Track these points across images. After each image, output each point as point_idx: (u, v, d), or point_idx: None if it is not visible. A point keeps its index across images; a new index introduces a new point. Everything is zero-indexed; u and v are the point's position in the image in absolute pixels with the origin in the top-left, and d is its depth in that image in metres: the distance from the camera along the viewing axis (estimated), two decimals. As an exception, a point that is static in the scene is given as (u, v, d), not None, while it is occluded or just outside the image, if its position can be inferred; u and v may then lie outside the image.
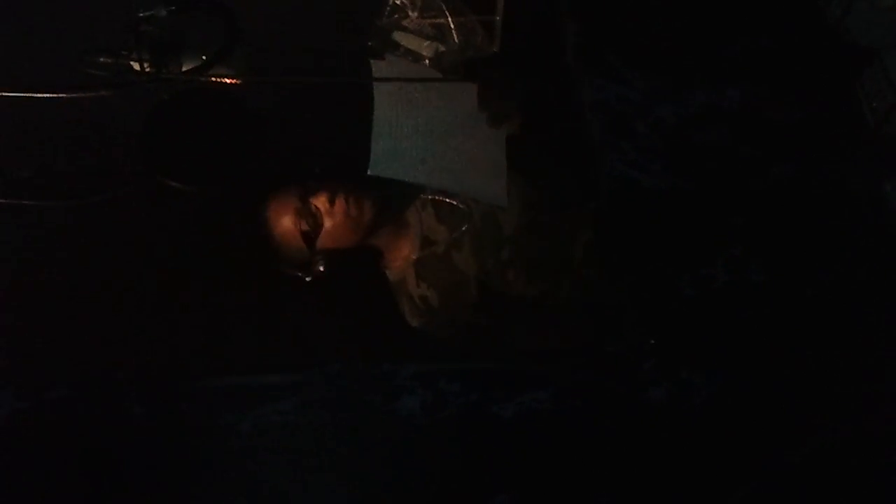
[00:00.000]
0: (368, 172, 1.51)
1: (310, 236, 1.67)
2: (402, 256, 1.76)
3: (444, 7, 2.10)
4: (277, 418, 1.22)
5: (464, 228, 1.71)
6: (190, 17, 1.55)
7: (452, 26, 2.13)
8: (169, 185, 1.53)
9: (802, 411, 1.33)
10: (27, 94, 1.42)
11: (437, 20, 2.13)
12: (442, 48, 2.11)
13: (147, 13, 1.52)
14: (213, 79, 1.52)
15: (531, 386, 1.29)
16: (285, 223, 1.69)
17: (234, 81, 1.54)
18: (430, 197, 1.79)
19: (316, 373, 1.24)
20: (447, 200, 1.77)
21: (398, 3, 2.11)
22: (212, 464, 1.25)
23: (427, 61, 2.11)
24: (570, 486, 1.31)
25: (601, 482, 1.32)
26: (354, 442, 1.26)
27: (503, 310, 1.67)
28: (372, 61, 1.67)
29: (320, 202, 1.68)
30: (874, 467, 1.33)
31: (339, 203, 1.68)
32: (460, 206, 1.75)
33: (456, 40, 2.13)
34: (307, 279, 1.71)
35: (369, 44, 2.09)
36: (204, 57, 1.52)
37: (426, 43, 2.10)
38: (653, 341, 1.33)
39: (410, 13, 2.12)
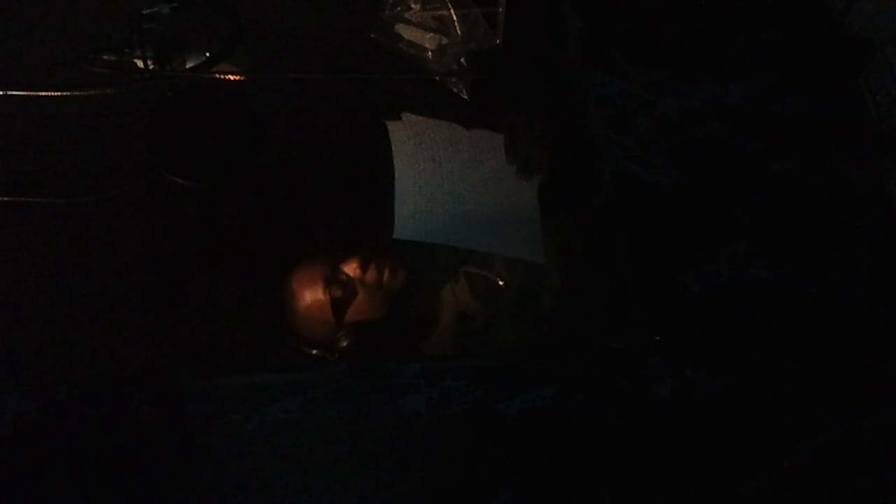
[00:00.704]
0: (394, 237, 1.44)
1: (340, 307, 1.58)
2: (436, 332, 1.66)
3: (446, -1, 2.10)
4: (283, 417, 1.23)
5: (500, 306, 1.62)
6: (193, 13, 1.55)
7: (455, 18, 2.12)
8: (173, 182, 1.53)
9: (807, 407, 1.33)
10: (31, 93, 1.42)
11: (440, 12, 2.13)
12: (444, 40, 2.11)
13: (150, 10, 1.52)
14: (217, 75, 1.52)
15: (536, 383, 1.29)
16: (313, 294, 1.60)
17: (237, 78, 1.54)
18: (463, 269, 1.69)
19: (321, 371, 1.25)
20: (481, 273, 1.68)
21: (401, -5, 2.11)
22: (217, 462, 1.25)
23: (430, 54, 2.11)
24: (575, 482, 1.32)
25: (606, 479, 1.32)
26: (360, 440, 1.26)
27: (506, 307, 1.66)
28: (388, 123, 1.59)
29: (351, 269, 1.60)
30: (878, 464, 1.33)
31: (371, 271, 1.59)
32: (498, 282, 1.66)
33: (458, 32, 2.13)
34: (330, 358, 1.59)
35: (372, 36, 2.09)
36: (207, 54, 1.52)
37: (428, 35, 2.10)
38: (657, 338, 1.33)
39: (413, 5, 2.12)
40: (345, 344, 1.57)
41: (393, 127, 1.59)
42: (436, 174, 1.54)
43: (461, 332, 1.64)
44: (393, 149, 1.55)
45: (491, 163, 1.59)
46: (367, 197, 1.69)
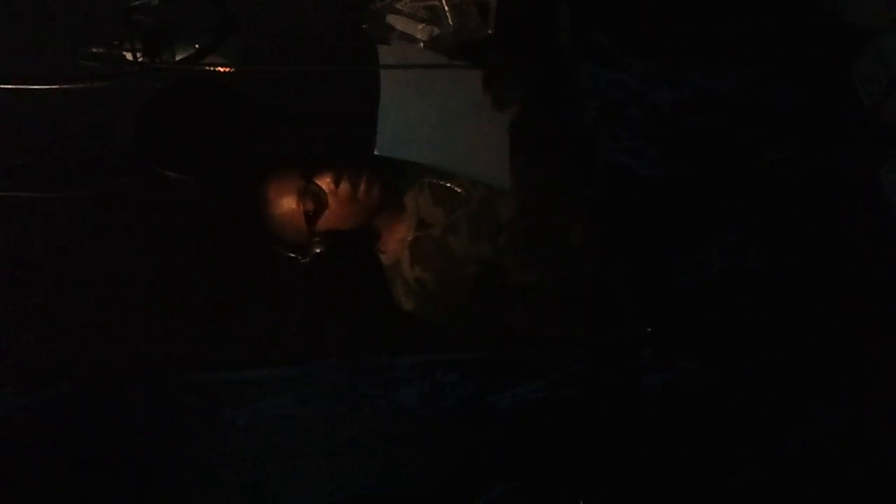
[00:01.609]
0: (375, 152, 1.51)
1: (312, 216, 1.67)
2: (397, 239, 1.76)
3: (438, -11, 2.09)
4: (276, 412, 1.23)
5: (459, 212, 1.71)
6: (182, 5, 1.53)
7: (447, 9, 2.11)
8: (164, 175, 1.52)
9: (799, 399, 1.34)
10: (21, 87, 1.41)
11: (432, 3, 2.12)
12: (436, 31, 2.10)
13: (139, 2, 1.50)
14: (207, 67, 1.51)
15: (528, 375, 1.30)
16: (288, 203, 1.68)
17: (227, 70, 1.53)
18: (427, 179, 1.78)
19: (314, 366, 1.25)
20: (445, 184, 1.76)
21: (391, -15, 2.10)
22: (210, 457, 1.26)
23: (422, 44, 2.10)
24: (568, 474, 1.32)
25: (599, 470, 1.32)
26: (353, 434, 1.26)
27: (498, 298, 1.67)
28: (378, 46, 1.68)
29: (325, 182, 1.68)
30: (870, 455, 1.34)
31: (345, 185, 1.67)
32: (458, 189, 1.75)
33: (450, 23, 2.12)
34: (303, 261, 1.70)
35: (363, 27, 2.08)
36: (197, 46, 1.50)
37: (420, 26, 2.09)
38: (649, 329, 1.33)
39: (404, -5, 2.11)
40: (317, 250, 1.67)
41: (383, 50, 1.69)
42: (418, 97, 1.63)
43: (420, 238, 1.72)
44: (380, 70, 1.63)
45: (469, 93, 1.69)
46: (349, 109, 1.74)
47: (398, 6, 2.11)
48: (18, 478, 1.22)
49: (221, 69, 1.52)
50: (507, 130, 1.67)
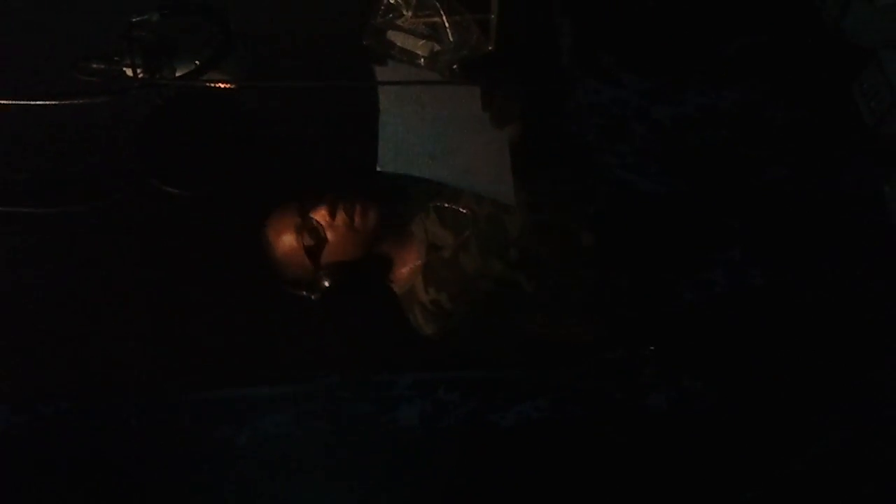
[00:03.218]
0: (378, 168, 1.50)
1: (313, 252, 1.65)
2: (408, 265, 1.74)
3: (438, 6, 2.09)
4: (275, 430, 1.22)
5: (468, 232, 1.71)
6: (183, 21, 1.53)
7: (447, 25, 2.11)
8: (164, 190, 1.52)
9: (802, 418, 1.33)
10: (21, 102, 1.41)
11: (432, 19, 2.12)
12: (437, 47, 2.10)
13: (140, 18, 1.51)
14: (207, 83, 1.51)
15: (531, 394, 1.29)
16: (287, 241, 1.66)
17: (227, 86, 1.53)
18: (432, 204, 1.77)
19: (314, 384, 1.24)
20: (450, 206, 1.76)
21: (393, 2, 2.10)
22: (209, 476, 1.24)
23: (422, 60, 2.10)
24: (571, 493, 1.31)
25: (601, 489, 1.31)
26: (353, 453, 1.25)
27: (515, 310, 1.66)
28: (375, 66, 1.67)
29: (320, 216, 1.66)
30: (876, 470, 1.33)
31: (341, 215, 1.65)
32: (463, 210, 1.74)
33: (451, 39, 2.12)
34: (313, 297, 1.67)
35: (364, 43, 2.08)
36: (197, 62, 1.51)
37: (421, 42, 2.09)
38: (652, 348, 1.32)
39: (405, 12, 2.11)
40: (326, 284, 1.66)
41: (380, 70, 1.68)
42: (418, 114, 1.63)
43: (431, 261, 1.70)
44: (378, 88, 1.61)
45: (469, 110, 1.69)
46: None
47: (399, 22, 2.12)
48: (15, 495, 1.21)
49: (221, 85, 1.52)
50: (507, 146, 1.66)
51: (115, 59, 1.48)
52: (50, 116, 1.43)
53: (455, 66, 2.12)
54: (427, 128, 1.62)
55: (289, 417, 1.22)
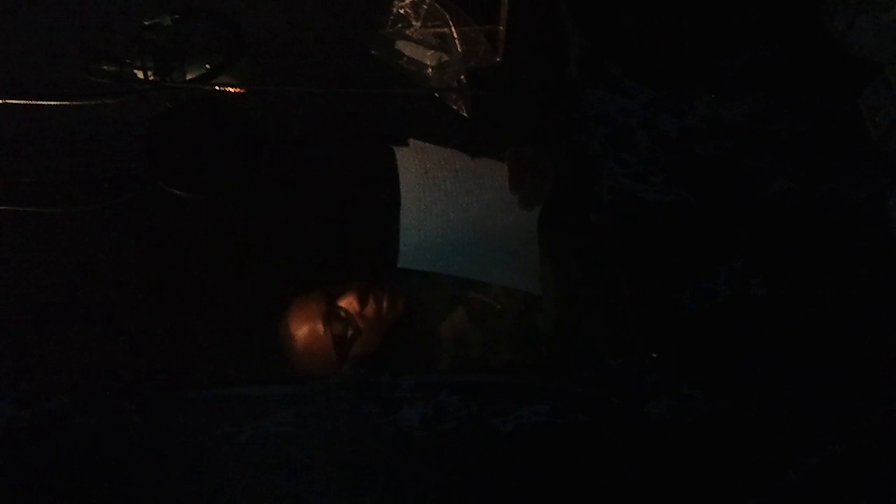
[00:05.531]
0: (398, 265, 1.45)
1: (342, 343, 1.55)
2: (434, 359, 1.63)
3: (447, 17, 2.11)
4: (276, 429, 1.22)
5: (497, 328, 1.62)
6: (194, 25, 1.55)
7: (455, 36, 2.13)
8: (172, 194, 1.53)
9: (804, 427, 1.32)
10: (31, 102, 1.42)
11: (441, 30, 2.14)
12: (445, 57, 2.12)
13: (151, 22, 1.52)
14: (217, 87, 1.52)
15: (532, 399, 1.29)
16: (311, 331, 1.56)
17: (237, 90, 1.54)
18: (460, 296, 1.67)
19: (315, 384, 1.24)
20: (478, 297, 1.66)
21: (401, 12, 2.12)
22: (210, 474, 1.24)
23: (430, 70, 2.11)
24: (571, 499, 1.31)
25: (601, 496, 1.31)
26: (353, 454, 1.25)
27: (503, 330, 1.64)
28: (395, 148, 1.60)
29: (349, 304, 1.57)
30: (876, 480, 1.33)
31: (371, 304, 1.57)
32: (496, 305, 1.65)
33: (459, 50, 2.14)
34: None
35: (373, 53, 2.10)
36: (208, 66, 1.52)
37: (429, 52, 2.11)
38: (654, 355, 1.32)
39: (414, 23, 2.13)
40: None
41: (400, 153, 1.60)
42: (441, 202, 1.56)
43: (458, 356, 1.62)
44: (400, 176, 1.55)
45: (494, 192, 1.61)
46: (368, 214, 1.70)
47: (408, 33, 2.14)
48: (15, 491, 1.21)
49: (231, 89, 1.53)
50: (535, 228, 1.60)
51: (126, 61, 1.50)
52: (59, 117, 1.44)
53: (462, 77, 2.13)
54: (450, 218, 1.55)
55: (290, 417, 1.22)
